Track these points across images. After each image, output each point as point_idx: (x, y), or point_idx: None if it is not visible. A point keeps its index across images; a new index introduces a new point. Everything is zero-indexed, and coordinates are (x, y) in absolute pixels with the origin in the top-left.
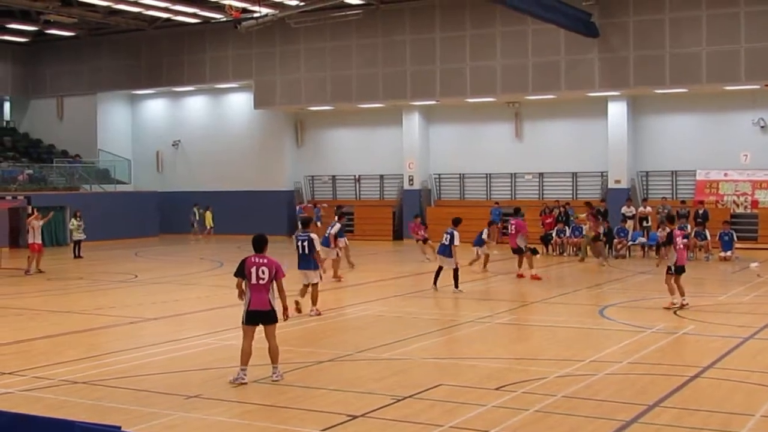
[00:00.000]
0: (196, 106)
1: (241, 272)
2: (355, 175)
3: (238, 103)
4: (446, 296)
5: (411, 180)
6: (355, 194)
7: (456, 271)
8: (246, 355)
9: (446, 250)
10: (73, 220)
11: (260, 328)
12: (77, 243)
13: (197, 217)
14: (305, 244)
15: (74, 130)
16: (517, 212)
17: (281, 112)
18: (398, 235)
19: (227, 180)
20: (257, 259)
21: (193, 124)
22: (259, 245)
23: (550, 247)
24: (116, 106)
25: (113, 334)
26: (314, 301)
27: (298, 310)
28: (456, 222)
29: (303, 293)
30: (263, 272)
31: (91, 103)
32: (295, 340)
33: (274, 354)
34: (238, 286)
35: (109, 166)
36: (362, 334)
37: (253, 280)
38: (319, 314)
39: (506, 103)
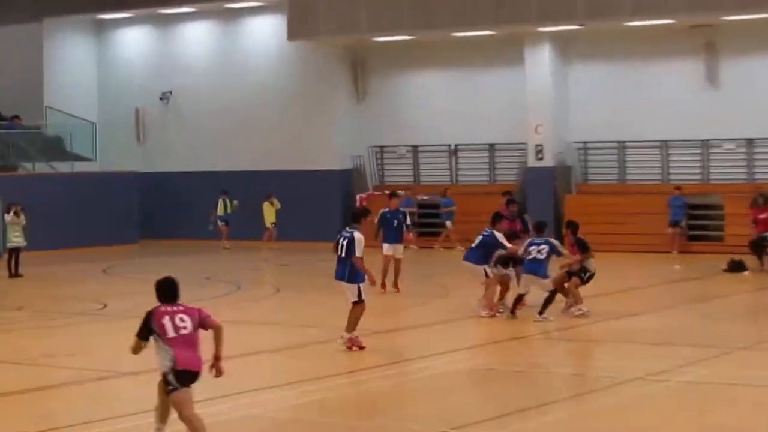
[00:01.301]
0: (196, 37)
1: (148, 330)
2: (449, 146)
3: (263, 32)
4: (599, 339)
5: (539, 152)
6: (450, 175)
7: (552, 293)
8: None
9: (541, 268)
10: (6, 217)
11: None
12: (13, 253)
13: (226, 210)
14: (344, 242)
15: (8, 77)
16: None
17: (330, 47)
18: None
19: (245, 154)
20: (169, 308)
21: (192, 66)
22: (170, 293)
23: (766, 257)
24: (73, 39)
25: (72, 397)
26: (348, 326)
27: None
28: (540, 227)
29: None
30: (182, 320)
31: (33, 36)
32: (350, 410)
33: (197, 428)
34: (136, 349)
35: (62, 134)
36: (455, 401)
37: (170, 333)
38: (352, 347)
39: (690, 26)
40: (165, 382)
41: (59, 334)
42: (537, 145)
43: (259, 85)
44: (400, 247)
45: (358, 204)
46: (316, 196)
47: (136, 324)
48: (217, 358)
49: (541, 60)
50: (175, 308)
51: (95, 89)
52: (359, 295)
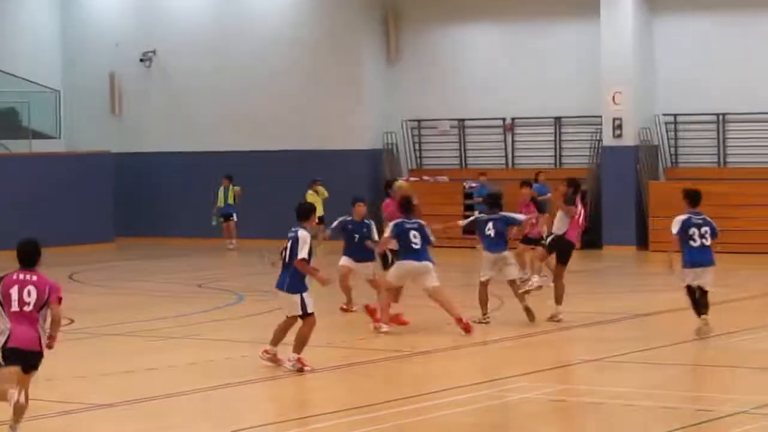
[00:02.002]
0: None
1: None
2: (503, 120)
3: None
4: (693, 362)
5: (617, 128)
6: (505, 156)
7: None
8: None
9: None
10: None
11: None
12: None
13: (227, 201)
14: (288, 244)
15: None
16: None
17: None
18: (595, 236)
19: (250, 130)
20: (22, 276)
21: (181, 19)
22: (28, 256)
23: None
24: None
25: None
26: (296, 345)
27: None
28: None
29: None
30: (29, 293)
31: None
32: None
33: (20, 410)
34: None
35: (17, 104)
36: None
37: (14, 307)
38: (303, 368)
39: None
40: None
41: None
42: (615, 119)
43: (266, 44)
44: (369, 266)
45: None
46: (339, 183)
47: (114, 345)
48: (51, 338)
49: (620, 11)
50: (26, 277)
51: (58, 49)
52: (303, 307)
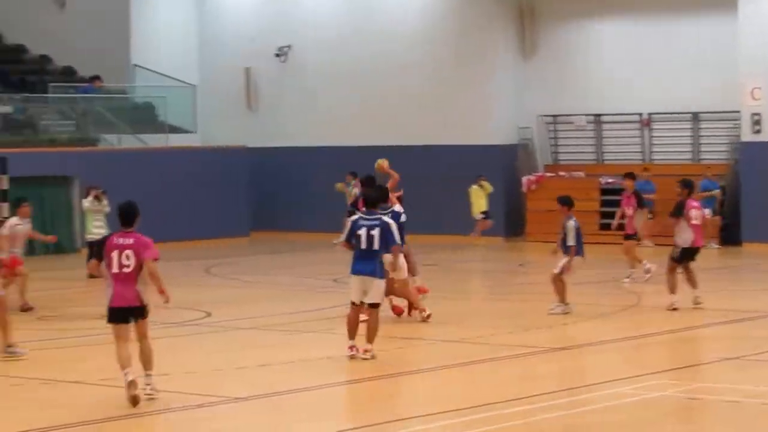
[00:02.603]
0: None
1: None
2: (640, 115)
3: None
4: None
5: (757, 123)
6: (642, 152)
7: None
8: (125, 360)
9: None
10: (85, 203)
11: None
12: (94, 247)
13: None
14: (375, 232)
15: (88, 29)
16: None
17: None
18: (734, 233)
19: (383, 126)
20: (121, 240)
21: (317, 14)
22: (127, 216)
23: None
24: None
25: (170, 428)
26: (370, 335)
27: None
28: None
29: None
30: (127, 257)
31: None
32: None
33: (148, 357)
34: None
35: (154, 99)
36: None
37: (115, 269)
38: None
39: None
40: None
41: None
42: (754, 114)
43: (400, 39)
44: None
45: (525, 189)
46: (473, 178)
47: (247, 337)
48: (161, 291)
49: (760, 5)
50: (124, 241)
51: (195, 44)
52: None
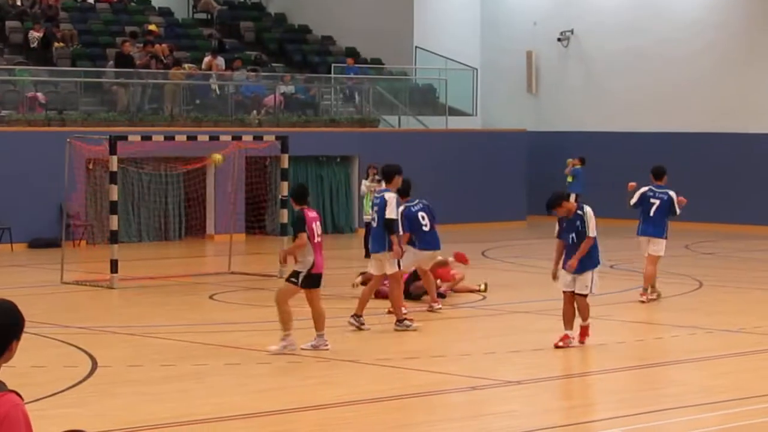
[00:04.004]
0: None
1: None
2: None
3: None
4: None
5: None
6: None
7: None
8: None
9: None
10: (365, 183)
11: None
12: (367, 227)
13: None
14: None
15: (372, 10)
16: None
17: None
18: None
19: (666, 112)
20: (313, 214)
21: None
22: (304, 196)
23: None
24: None
25: (444, 409)
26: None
27: None
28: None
29: None
30: (318, 227)
31: None
32: None
33: (322, 318)
34: (298, 247)
35: (434, 82)
36: None
37: (316, 239)
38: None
39: None
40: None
41: (426, 332)
42: None
43: (682, 25)
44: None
45: None
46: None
47: (521, 321)
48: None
49: None
50: (314, 214)
51: (477, 27)
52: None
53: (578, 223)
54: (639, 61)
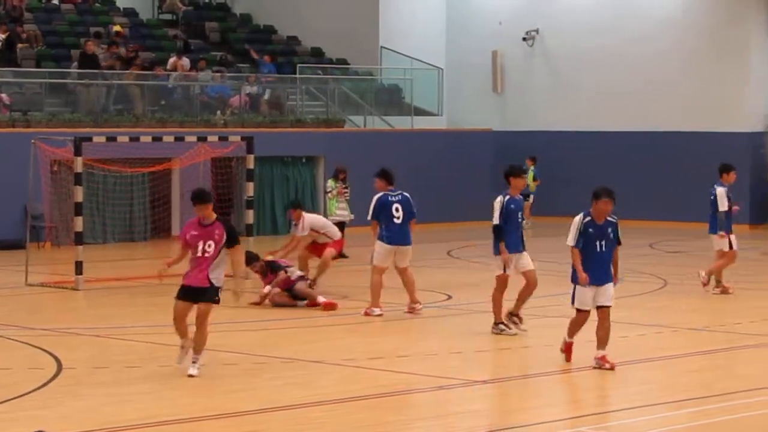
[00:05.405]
0: None
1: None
2: None
3: None
4: None
5: None
6: None
7: None
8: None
9: None
10: (331, 183)
11: None
12: (339, 227)
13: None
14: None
15: (337, 10)
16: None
17: None
18: None
19: (631, 111)
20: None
21: None
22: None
23: None
24: None
25: (410, 409)
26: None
27: None
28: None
29: None
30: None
31: None
32: None
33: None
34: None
35: (400, 82)
36: None
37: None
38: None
39: None
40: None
41: (391, 332)
42: None
43: (650, 25)
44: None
45: None
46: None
47: (487, 321)
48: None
49: None
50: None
51: (443, 27)
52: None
53: (610, 230)
54: (605, 60)
